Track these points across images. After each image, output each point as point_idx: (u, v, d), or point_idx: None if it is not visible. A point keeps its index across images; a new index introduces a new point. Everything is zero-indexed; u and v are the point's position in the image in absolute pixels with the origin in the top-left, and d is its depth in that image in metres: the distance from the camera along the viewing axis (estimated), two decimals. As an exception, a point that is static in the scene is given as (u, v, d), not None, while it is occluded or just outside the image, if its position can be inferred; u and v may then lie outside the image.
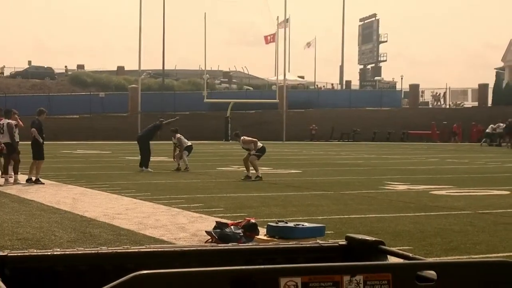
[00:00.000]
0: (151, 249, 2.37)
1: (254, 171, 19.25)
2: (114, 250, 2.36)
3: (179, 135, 23.52)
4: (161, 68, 66.65)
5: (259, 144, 20.03)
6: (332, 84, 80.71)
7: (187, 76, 71.62)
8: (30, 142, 18.00)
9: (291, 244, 2.43)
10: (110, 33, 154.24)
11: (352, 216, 11.62)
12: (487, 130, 49.83)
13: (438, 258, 7.89)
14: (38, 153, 17.76)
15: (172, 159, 23.54)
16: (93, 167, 23.68)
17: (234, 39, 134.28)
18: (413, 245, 8.85)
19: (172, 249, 2.31)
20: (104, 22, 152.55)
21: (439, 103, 65.81)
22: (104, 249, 2.38)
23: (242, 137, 20.38)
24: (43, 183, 17.05)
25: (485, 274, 2.10)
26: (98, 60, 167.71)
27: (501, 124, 48.75)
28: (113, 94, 59.69)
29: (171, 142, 24.06)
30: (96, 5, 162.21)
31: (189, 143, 23.38)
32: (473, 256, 8.10)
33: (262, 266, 1.89)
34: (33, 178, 17.38)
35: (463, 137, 54.21)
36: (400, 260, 2.29)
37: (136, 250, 2.38)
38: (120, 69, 74.16)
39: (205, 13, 55.09)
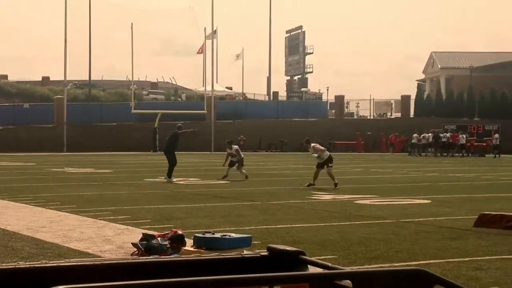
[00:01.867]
0: (71, 263, 2.31)
1: (312, 181, 20.37)
2: (32, 265, 2.30)
3: (236, 146, 24.39)
4: (87, 78, 65.73)
5: (327, 153, 20.98)
6: (254, 94, 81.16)
7: (114, 87, 70.82)
8: None
9: (214, 255, 2.47)
10: (34, 42, 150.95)
11: (278, 226, 11.75)
12: (412, 141, 51.09)
13: (361, 267, 8.09)
14: None
15: (223, 166, 24.39)
16: (17, 179, 23.15)
17: (162, 49, 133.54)
18: (337, 254, 9.03)
19: (93, 262, 2.28)
20: (28, 30, 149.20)
21: (386, 115, 67.09)
22: (22, 264, 2.32)
23: (313, 144, 21.24)
24: None
25: (399, 282, 2.18)
26: (22, 70, 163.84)
27: (427, 135, 50.10)
28: (38, 105, 58.45)
29: (225, 152, 24.83)
30: (20, 13, 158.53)
31: (243, 156, 24.14)
32: (394, 264, 8.33)
33: (184, 279, 1.92)
34: None
35: (387, 147, 55.37)
36: (318, 270, 2.36)
37: (55, 264, 2.31)
38: (45, 79, 72.68)
39: (131, 23, 54.67)
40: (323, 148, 21.22)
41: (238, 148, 24.51)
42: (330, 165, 20.74)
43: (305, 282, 2.03)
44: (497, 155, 47.96)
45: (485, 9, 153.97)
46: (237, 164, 23.87)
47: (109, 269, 2.24)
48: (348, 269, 2.26)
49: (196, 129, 27.51)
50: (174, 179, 22.22)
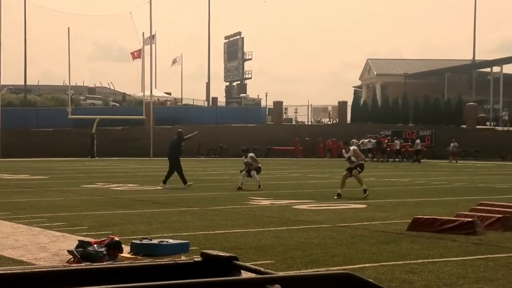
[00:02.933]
0: (6, 272, 2.24)
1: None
2: None
3: (252, 154, 23.58)
4: (22, 83, 64.44)
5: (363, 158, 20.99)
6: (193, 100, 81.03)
7: (51, 92, 69.59)
8: None
9: (147, 262, 2.50)
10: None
11: (217, 232, 11.79)
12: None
13: (298, 271, 8.20)
14: None
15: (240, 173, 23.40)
16: None
17: (100, 54, 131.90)
18: (275, 259, 9.12)
19: (24, 270, 2.26)
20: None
21: (323, 121, 67.92)
22: None
23: (353, 147, 21.07)
24: None
25: (329, 286, 2.25)
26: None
27: (366, 140, 50.94)
28: (-29, 110, 57.00)
29: (242, 160, 23.70)
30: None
31: (259, 164, 23.34)
32: (330, 268, 8.47)
33: (115, 286, 1.94)
34: None
35: (324, 152, 55.99)
36: (250, 275, 2.41)
37: None
38: (-21, 84, 70.91)
39: (68, 27, 53.92)
40: (361, 154, 21.33)
41: (253, 155, 23.89)
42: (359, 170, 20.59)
43: None
44: (417, 161, 49.00)
45: (418, 18, 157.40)
46: (254, 171, 22.89)
47: (42, 277, 2.23)
48: (279, 274, 2.32)
49: (197, 132, 26.93)
50: (115, 185, 22.05)
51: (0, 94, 54.96)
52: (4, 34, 54.28)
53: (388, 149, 52.17)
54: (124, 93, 75.23)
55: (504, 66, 73.12)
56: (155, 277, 2.31)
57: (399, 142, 51.66)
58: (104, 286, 1.93)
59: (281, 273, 2.30)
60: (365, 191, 19.30)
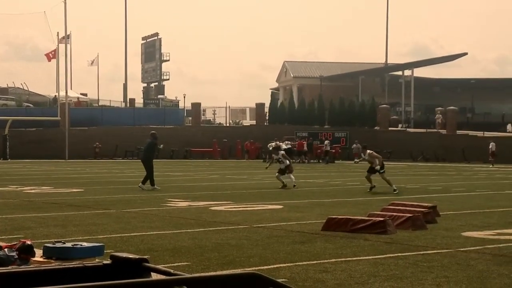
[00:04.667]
0: None
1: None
2: None
3: (283, 152, 24.69)
4: None
5: (379, 160, 21.91)
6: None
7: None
8: None
9: (55, 265, 2.48)
10: None
11: (133, 234, 11.70)
12: (269, 147, 52.36)
13: (214, 273, 8.24)
14: None
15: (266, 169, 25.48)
16: None
17: (12, 54, 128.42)
18: (191, 261, 9.14)
19: None
20: None
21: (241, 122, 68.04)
22: None
23: (369, 151, 22.06)
24: None
25: (235, 286, 2.30)
26: None
27: (288, 142, 51.62)
28: None
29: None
30: None
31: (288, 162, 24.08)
32: (246, 269, 8.55)
33: None
34: None
35: (242, 154, 56.26)
36: (159, 277, 2.43)
37: None
38: None
39: (-21, 25, 52.23)
40: (379, 156, 22.65)
41: (284, 153, 24.44)
42: (381, 171, 21.89)
43: None
44: (328, 162, 49.97)
45: (334, 21, 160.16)
46: (286, 170, 23.70)
47: None
48: (186, 275, 2.36)
49: (162, 146, 26.15)
50: (29, 188, 21.53)
51: None
52: None
53: (319, 150, 52.88)
54: (39, 94, 73.45)
55: (415, 69, 75.38)
56: (64, 280, 2.30)
57: (328, 143, 52.27)
58: None
59: (188, 275, 2.34)
60: (395, 190, 21.17)
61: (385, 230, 11.64)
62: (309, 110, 61.30)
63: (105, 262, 2.56)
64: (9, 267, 2.77)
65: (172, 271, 2.50)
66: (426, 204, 14.39)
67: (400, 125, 65.05)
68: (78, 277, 2.40)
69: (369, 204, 17.29)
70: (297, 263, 9.07)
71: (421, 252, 10.02)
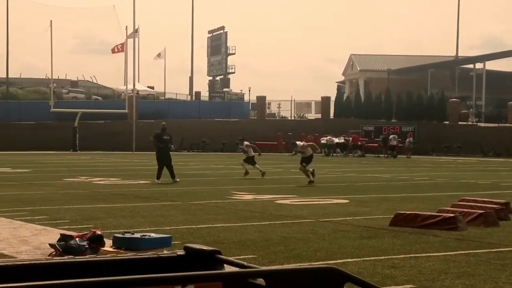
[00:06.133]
0: None
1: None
2: None
3: (247, 142, 25.67)
4: (4, 76, 63.93)
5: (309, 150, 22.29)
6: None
7: (33, 85, 69.13)
8: None
9: (130, 255, 2.49)
10: None
11: (199, 226, 11.76)
12: (322, 141, 52.20)
13: (280, 266, 8.20)
14: None
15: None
16: None
17: (83, 48, 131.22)
18: (257, 254, 9.11)
19: (5, 263, 2.25)
20: None
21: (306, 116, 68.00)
22: None
23: (300, 143, 22.54)
24: None
25: (312, 280, 2.26)
26: None
27: (334, 138, 51.36)
28: (-48, 102, 56.56)
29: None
30: None
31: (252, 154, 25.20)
32: (313, 263, 8.48)
33: (98, 279, 1.94)
34: None
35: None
36: (233, 269, 2.41)
37: None
38: (-40, 76, 70.34)
39: (51, 20, 53.57)
40: (310, 144, 23.26)
41: (248, 143, 25.24)
42: (304, 164, 22.18)
43: (218, 281, 2.08)
44: (393, 156, 49.17)
45: (402, 14, 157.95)
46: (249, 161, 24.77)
47: (24, 270, 2.22)
48: (261, 268, 2.32)
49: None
50: (97, 179, 21.93)
51: (-19, 87, 54.53)
52: (-15, 26, 53.81)
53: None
54: (107, 87, 74.89)
55: (486, 62, 73.59)
56: (138, 271, 2.31)
57: (396, 137, 51.34)
58: (92, 279, 1.93)
59: (265, 267, 2.30)
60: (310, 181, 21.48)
61: (455, 226, 11.38)
62: (375, 104, 60.63)
63: (179, 253, 2.55)
64: (87, 256, 2.80)
65: (245, 263, 2.47)
66: (498, 201, 14.02)
67: (470, 120, 63.65)
68: (153, 268, 2.40)
69: (438, 199, 16.95)
70: (364, 258, 8.93)
71: (494, 250, 9.74)
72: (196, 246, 2.59)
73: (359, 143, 51.50)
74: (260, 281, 2.19)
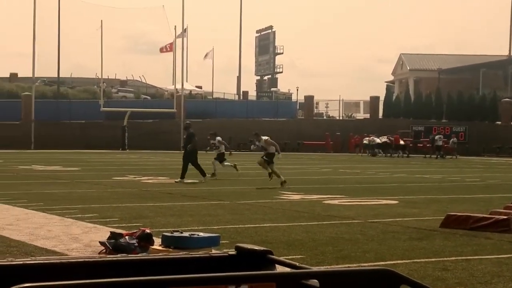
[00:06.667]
0: (37, 261, 2.31)
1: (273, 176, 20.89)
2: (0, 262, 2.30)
3: (219, 138, 24.82)
4: (56, 75, 65.07)
5: (273, 148, 21.20)
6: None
7: (83, 84, 70.24)
8: None
9: (182, 254, 2.48)
10: (2, 39, 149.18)
11: (247, 226, 11.75)
12: (364, 142, 51.74)
13: (328, 267, 8.12)
14: None
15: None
16: (-18, 176, 22.83)
17: (132, 47, 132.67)
18: (305, 254, 9.05)
19: (59, 260, 2.28)
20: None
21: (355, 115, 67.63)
22: None
23: (265, 138, 21.38)
24: None
25: (366, 282, 2.21)
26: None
27: (376, 138, 50.78)
28: (5, 102, 57.76)
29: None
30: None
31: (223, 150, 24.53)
32: (362, 264, 8.38)
33: (150, 278, 1.93)
34: None
35: (355, 148, 55.69)
36: (287, 269, 2.37)
37: (21, 262, 2.31)
38: (13, 76, 71.88)
39: (101, 20, 54.33)
40: (274, 143, 21.63)
41: (221, 139, 24.60)
42: (265, 158, 21.24)
43: (272, 282, 2.05)
44: (440, 156, 48.34)
45: (453, 12, 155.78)
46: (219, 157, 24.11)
47: (76, 267, 2.23)
48: (315, 268, 2.28)
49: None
50: (146, 178, 22.10)
51: (34, 86, 55.56)
52: (38, 27, 54.83)
53: (428, 145, 51.44)
54: (155, 86, 75.63)
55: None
56: (190, 270, 2.29)
57: (441, 137, 50.36)
58: (146, 278, 1.92)
59: (318, 268, 2.26)
60: (270, 175, 20.76)
61: (509, 228, 11.12)
62: (425, 104, 59.83)
63: (230, 252, 2.53)
64: (140, 255, 2.80)
65: (297, 264, 2.43)
66: (552, 203, 13.65)
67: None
68: (204, 267, 2.38)
69: (490, 201, 16.62)
70: (414, 260, 8.80)
71: (548, 253, 9.50)
72: (248, 246, 2.57)
73: (403, 143, 50.85)
74: (314, 282, 2.16)
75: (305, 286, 2.15)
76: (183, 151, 23.28)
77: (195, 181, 21.74)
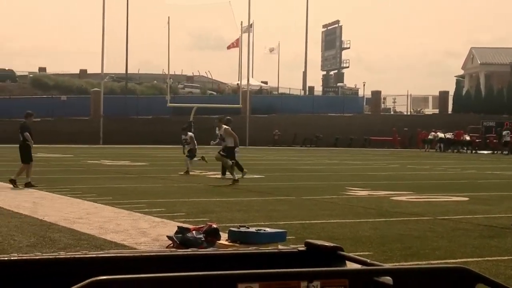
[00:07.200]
0: (110, 254, 2.36)
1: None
2: (73, 256, 2.34)
3: (191, 133, 24.12)
4: (124, 71, 66.24)
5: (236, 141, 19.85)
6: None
7: (150, 80, 71.25)
8: (17, 146, 18.16)
9: (251, 249, 2.46)
10: (72, 36, 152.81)
11: (313, 222, 11.68)
12: (429, 137, 50.81)
13: (397, 264, 7.98)
14: (28, 156, 17.70)
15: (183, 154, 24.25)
16: (54, 170, 23.42)
17: (198, 43, 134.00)
18: (373, 251, 8.93)
19: (132, 254, 2.31)
20: (67, 24, 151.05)
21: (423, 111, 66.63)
22: (62, 254, 2.35)
23: (226, 127, 19.87)
24: (36, 186, 17.00)
25: (441, 280, 2.13)
26: (60, 63, 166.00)
27: (439, 133, 49.77)
28: (75, 98, 59.11)
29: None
30: (59, 6, 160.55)
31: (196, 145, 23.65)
32: (431, 262, 8.21)
33: (220, 272, 1.91)
34: (16, 181, 17.27)
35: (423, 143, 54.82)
36: (358, 266, 2.32)
37: (95, 255, 2.36)
38: (83, 72, 73.49)
39: (168, 17, 54.95)
40: (234, 134, 19.87)
41: (192, 135, 23.72)
42: (222, 153, 19.50)
43: (345, 278, 2.00)
44: (509, 152, 46.98)
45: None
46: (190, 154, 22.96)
47: (148, 261, 2.26)
48: (388, 265, 2.22)
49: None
50: (212, 173, 22.19)
51: (103, 83, 56.68)
52: (107, 25, 55.90)
53: (495, 140, 50.20)
54: (221, 82, 76.13)
55: None
56: (259, 265, 2.27)
57: (509, 133, 49.00)
58: (219, 272, 1.90)
59: (391, 265, 2.19)
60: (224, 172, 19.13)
61: None
62: (497, 99, 58.42)
63: (299, 248, 2.48)
64: (210, 249, 2.80)
65: (368, 260, 2.38)
66: None
67: None
68: (274, 262, 2.35)
69: None
70: (486, 258, 8.57)
71: None
72: (318, 242, 2.52)
73: (468, 139, 49.69)
74: (386, 279, 2.10)
75: (378, 284, 2.09)
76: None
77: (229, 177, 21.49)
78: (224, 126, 19.82)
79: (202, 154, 23.73)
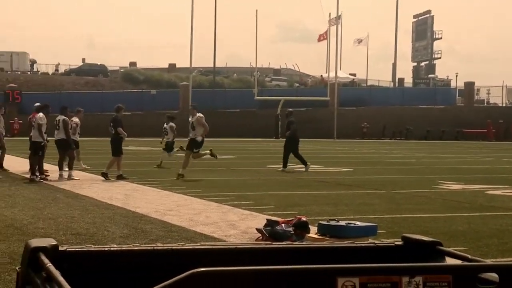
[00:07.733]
0: (206, 247, 2.40)
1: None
2: (170, 247, 2.39)
3: (173, 124, 23.11)
4: (212, 65, 66.94)
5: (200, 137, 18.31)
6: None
7: (238, 73, 71.78)
8: (109, 139, 18.73)
9: (346, 243, 2.40)
10: (162, 31, 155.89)
11: (404, 216, 11.45)
12: None
13: (496, 260, 7.69)
14: (118, 149, 18.18)
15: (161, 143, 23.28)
16: (144, 163, 23.88)
17: (285, 36, 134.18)
18: (468, 246, 8.65)
19: (227, 246, 2.32)
20: (156, 19, 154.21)
21: None
22: (159, 246, 2.41)
23: (199, 114, 18.51)
24: (128, 178, 17.44)
25: None
26: (150, 57, 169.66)
27: None
28: (165, 91, 60.17)
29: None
30: (148, 2, 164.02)
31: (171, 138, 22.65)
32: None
33: (320, 266, 1.87)
34: (107, 174, 17.71)
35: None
36: (460, 262, 2.21)
37: (191, 247, 2.41)
38: (172, 66, 74.75)
39: (256, 10, 55.19)
40: (205, 124, 18.24)
41: (173, 125, 22.73)
42: (195, 150, 18.34)
43: (448, 274, 1.90)
44: None
45: None
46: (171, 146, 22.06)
47: (242, 254, 2.24)
48: (495, 262, 2.09)
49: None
50: (314, 166, 21.85)
51: (191, 76, 57.49)
52: (196, 19, 56.63)
53: None
54: (309, 74, 75.90)
55: None
56: (355, 259, 2.20)
57: None
58: (318, 266, 1.86)
59: (498, 261, 2.07)
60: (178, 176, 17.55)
61: None
62: None
63: (396, 242, 2.39)
64: (305, 243, 2.75)
65: (469, 256, 2.25)
66: None
67: None
68: (370, 256, 2.26)
69: None
70: None
71: None
72: (416, 236, 2.43)
73: None
74: (491, 276, 1.98)
75: (483, 280, 1.98)
76: (284, 140, 22.69)
77: (302, 170, 21.31)
78: (198, 114, 18.31)
79: (181, 144, 22.06)
